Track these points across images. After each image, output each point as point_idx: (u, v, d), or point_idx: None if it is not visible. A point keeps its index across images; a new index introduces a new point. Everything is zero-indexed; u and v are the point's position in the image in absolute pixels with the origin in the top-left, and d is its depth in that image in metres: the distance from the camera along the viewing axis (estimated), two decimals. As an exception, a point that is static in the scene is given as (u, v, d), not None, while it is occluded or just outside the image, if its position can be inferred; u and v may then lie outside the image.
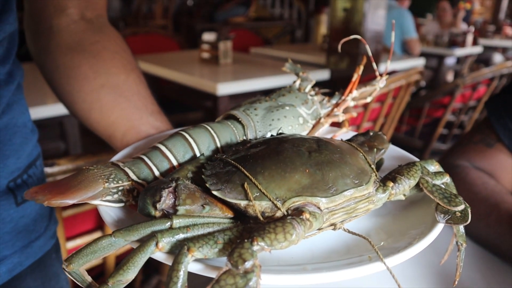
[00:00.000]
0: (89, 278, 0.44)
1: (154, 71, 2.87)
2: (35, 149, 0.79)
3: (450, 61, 5.29)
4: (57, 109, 1.76)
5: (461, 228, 0.51)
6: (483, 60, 6.32)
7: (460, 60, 5.58)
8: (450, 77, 5.64)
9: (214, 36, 2.86)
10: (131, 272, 0.39)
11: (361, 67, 0.71)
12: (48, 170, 1.01)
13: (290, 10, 8.11)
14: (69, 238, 1.22)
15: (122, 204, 0.51)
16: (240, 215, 0.46)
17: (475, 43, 5.46)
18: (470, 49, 5.19)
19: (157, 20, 7.15)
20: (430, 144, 2.93)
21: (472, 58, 5.64)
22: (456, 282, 0.51)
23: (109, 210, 0.50)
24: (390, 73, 2.37)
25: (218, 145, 0.58)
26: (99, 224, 1.32)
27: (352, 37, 0.74)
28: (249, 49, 4.00)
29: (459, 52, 5.00)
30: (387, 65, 0.74)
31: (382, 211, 0.54)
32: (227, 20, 6.82)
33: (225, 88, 2.33)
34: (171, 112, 2.77)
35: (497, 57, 6.44)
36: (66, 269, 0.42)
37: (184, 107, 3.34)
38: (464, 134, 1.14)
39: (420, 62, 3.57)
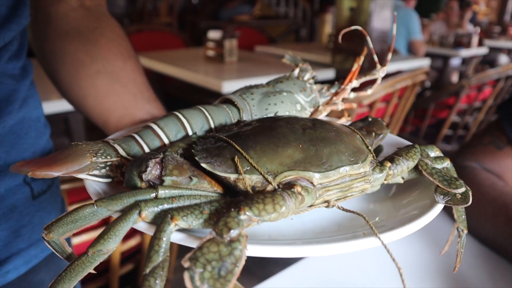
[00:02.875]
0: (69, 249, 0.43)
1: (159, 68, 2.87)
2: (48, 143, 0.80)
3: (455, 62, 5.27)
4: (62, 105, 1.76)
5: (463, 214, 0.50)
6: (488, 61, 6.30)
7: (465, 61, 5.56)
8: (455, 78, 5.62)
9: (219, 34, 2.86)
10: (112, 242, 0.37)
11: (362, 58, 0.70)
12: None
13: (295, 9, 8.09)
14: (74, 234, 1.22)
15: (109, 180, 0.49)
16: (229, 191, 0.44)
17: (480, 44, 5.44)
18: (476, 50, 5.17)
19: (162, 17, 7.15)
20: (435, 144, 2.91)
21: (477, 59, 5.62)
22: (457, 269, 0.49)
23: (95, 184, 0.48)
24: (396, 73, 2.36)
25: (212, 126, 0.57)
26: (105, 220, 1.32)
27: (353, 27, 0.73)
28: (254, 48, 3.99)
29: (465, 53, 4.98)
30: (388, 56, 0.73)
31: (380, 194, 0.52)
32: (232, 18, 6.80)
33: (230, 86, 2.32)
34: (176, 109, 2.76)
35: (503, 58, 6.41)
36: (45, 238, 0.40)
37: (189, 104, 3.32)
38: (473, 136, 1.13)
39: (425, 63, 3.55)
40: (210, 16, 7.70)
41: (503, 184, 0.96)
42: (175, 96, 3.25)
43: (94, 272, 0.39)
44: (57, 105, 1.75)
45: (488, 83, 2.87)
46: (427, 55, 4.59)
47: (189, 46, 4.00)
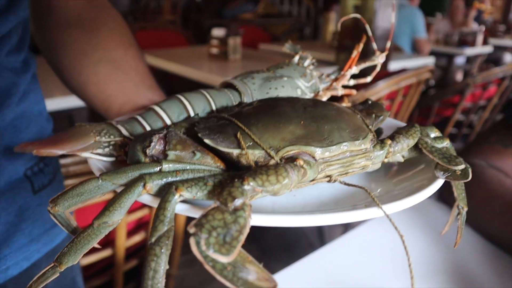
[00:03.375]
0: (74, 223, 0.44)
1: (163, 66, 2.87)
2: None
3: (459, 60, 5.26)
4: (66, 102, 1.76)
5: (462, 192, 0.51)
6: (493, 59, 6.28)
7: (470, 60, 5.55)
8: (459, 76, 5.61)
9: (223, 32, 2.86)
10: (117, 214, 0.38)
11: (361, 45, 0.70)
12: (62, 160, 1.01)
13: (298, 7, 8.09)
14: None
15: (113, 159, 0.50)
16: (232, 167, 0.45)
17: (485, 42, 5.42)
18: (480, 49, 5.15)
19: (165, 15, 7.17)
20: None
21: (482, 57, 5.60)
22: (457, 245, 0.50)
23: (98, 162, 0.49)
24: (400, 71, 2.36)
25: (214, 108, 0.58)
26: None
27: (351, 15, 0.75)
28: (258, 45, 3.99)
29: (469, 51, 4.97)
30: (388, 44, 0.73)
31: (381, 173, 0.53)
32: (236, 16, 6.81)
33: (234, 84, 2.33)
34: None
35: (508, 57, 6.40)
36: (50, 211, 0.41)
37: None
38: (479, 134, 1.14)
39: (429, 61, 3.55)
40: (213, 14, 7.70)
41: (510, 182, 0.96)
42: (179, 93, 3.25)
43: (98, 246, 0.40)
44: (61, 102, 1.76)
45: (493, 81, 2.86)
46: (432, 53, 4.59)
47: (193, 44, 4.00)
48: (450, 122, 2.82)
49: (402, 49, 4.26)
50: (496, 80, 2.86)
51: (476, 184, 0.97)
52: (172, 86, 3.21)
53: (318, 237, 2.63)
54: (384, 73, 2.56)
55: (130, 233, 1.34)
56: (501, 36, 6.60)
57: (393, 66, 3.14)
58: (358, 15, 0.72)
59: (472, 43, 4.97)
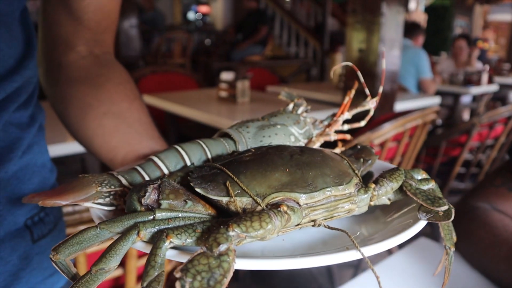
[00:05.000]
0: (74, 269, 0.46)
1: (172, 109, 2.93)
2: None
3: (466, 99, 5.28)
4: (78, 147, 1.80)
5: (449, 232, 0.52)
6: (499, 98, 6.30)
7: (476, 98, 5.57)
8: (466, 115, 5.62)
9: (232, 75, 2.92)
10: (113, 261, 0.40)
11: (353, 91, 0.73)
12: (65, 209, 1.03)
13: (305, 49, 8.26)
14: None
15: (113, 208, 0.53)
16: (222, 214, 0.47)
17: (490, 81, 5.46)
18: (486, 88, 5.18)
19: (175, 59, 7.36)
20: (447, 183, 2.89)
21: (488, 96, 5.62)
22: (445, 285, 0.51)
23: (99, 211, 0.52)
24: (406, 112, 2.38)
25: (209, 157, 0.61)
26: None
27: (343, 64, 0.79)
28: (266, 88, 4.07)
29: (475, 90, 5.00)
30: (380, 89, 0.75)
31: (368, 215, 0.55)
32: (244, 58, 6.97)
33: (242, 126, 2.36)
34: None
35: (514, 95, 6.41)
36: (52, 259, 0.43)
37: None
38: (485, 177, 1.14)
39: (435, 101, 3.58)
40: (222, 57, 7.91)
41: None
42: (189, 136, 3.30)
43: None
44: (74, 147, 1.82)
45: (499, 120, 2.87)
46: (438, 93, 4.62)
47: (202, 87, 4.09)
48: (458, 161, 2.81)
49: (408, 89, 4.31)
50: (502, 120, 2.87)
51: (481, 228, 0.97)
52: (181, 128, 3.26)
53: (328, 280, 2.58)
54: (390, 115, 2.59)
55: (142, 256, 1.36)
56: (506, 74, 6.64)
57: (399, 106, 3.17)
58: (350, 63, 0.76)
59: (477, 82, 5.01)
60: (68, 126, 0.82)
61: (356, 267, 2.48)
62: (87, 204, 0.50)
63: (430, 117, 2.38)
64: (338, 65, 0.71)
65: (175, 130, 3.33)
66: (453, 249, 0.52)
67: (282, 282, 2.57)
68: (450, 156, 2.98)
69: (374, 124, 2.17)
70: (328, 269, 2.50)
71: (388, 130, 2.08)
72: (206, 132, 2.74)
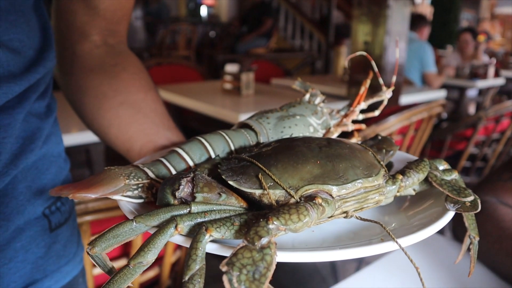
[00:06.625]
0: (110, 263, 0.46)
1: (177, 101, 2.93)
2: (67, 178, 0.83)
3: (472, 93, 5.25)
4: (82, 138, 1.81)
5: (473, 222, 0.52)
6: (505, 91, 6.26)
7: (482, 92, 5.54)
8: (472, 109, 5.59)
9: (236, 68, 2.91)
10: (151, 254, 0.40)
11: (368, 81, 0.74)
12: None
13: (310, 42, 8.23)
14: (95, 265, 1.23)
15: (141, 200, 0.53)
16: (254, 206, 0.48)
17: (497, 74, 5.42)
18: (492, 81, 5.15)
19: (180, 51, 7.34)
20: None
21: (494, 89, 5.59)
22: (471, 274, 0.52)
23: (129, 204, 0.52)
24: (411, 106, 2.38)
25: (233, 148, 0.61)
26: (125, 251, 1.34)
27: (358, 53, 0.79)
28: (270, 80, 4.06)
29: (481, 84, 4.96)
30: (393, 78, 0.75)
31: (394, 207, 0.55)
32: (248, 51, 6.95)
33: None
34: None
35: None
36: (89, 253, 0.43)
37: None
38: (492, 171, 1.14)
39: (441, 94, 3.56)
40: (227, 50, 7.89)
41: None
42: (193, 128, 3.30)
43: (132, 285, 0.42)
44: (78, 137, 1.82)
45: (506, 114, 2.85)
46: (444, 86, 4.60)
47: (207, 79, 4.08)
48: (464, 155, 2.81)
49: (413, 82, 4.29)
50: (509, 113, 2.85)
51: (488, 222, 0.97)
52: (186, 121, 3.25)
53: (331, 273, 2.59)
54: (396, 108, 2.58)
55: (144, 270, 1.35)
56: (512, 67, 6.60)
57: (404, 100, 3.16)
58: (364, 53, 0.75)
59: (484, 76, 4.97)
60: (82, 116, 0.82)
61: (360, 261, 2.48)
62: (116, 197, 0.50)
63: (435, 110, 2.37)
64: (353, 54, 0.72)
65: (180, 122, 3.32)
66: (477, 238, 0.52)
67: (286, 274, 2.58)
68: (456, 150, 2.98)
69: (379, 117, 2.16)
70: (332, 262, 2.50)
71: (393, 123, 2.08)
72: (210, 124, 2.74)
